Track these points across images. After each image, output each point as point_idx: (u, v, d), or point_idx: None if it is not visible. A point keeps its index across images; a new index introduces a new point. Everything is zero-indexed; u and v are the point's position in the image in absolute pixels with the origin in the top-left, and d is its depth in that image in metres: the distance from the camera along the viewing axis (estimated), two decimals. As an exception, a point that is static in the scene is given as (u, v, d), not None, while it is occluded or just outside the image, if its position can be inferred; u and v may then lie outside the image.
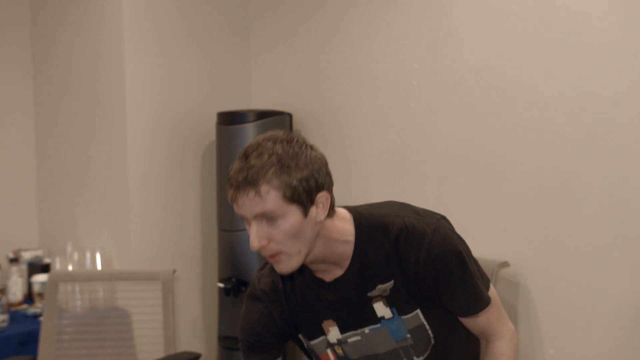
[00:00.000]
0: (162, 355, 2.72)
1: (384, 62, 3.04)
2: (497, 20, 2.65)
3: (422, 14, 2.89)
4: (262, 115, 3.24)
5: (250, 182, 1.42)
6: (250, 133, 3.18)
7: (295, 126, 3.38)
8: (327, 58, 3.30)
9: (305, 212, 1.46)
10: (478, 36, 2.71)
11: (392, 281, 1.56)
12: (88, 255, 3.32)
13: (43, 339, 2.77)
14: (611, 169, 2.38)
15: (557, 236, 2.53)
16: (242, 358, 1.71)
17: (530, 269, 2.59)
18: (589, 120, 2.42)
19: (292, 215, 1.45)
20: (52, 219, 3.84)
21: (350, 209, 1.61)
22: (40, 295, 3.36)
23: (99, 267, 3.32)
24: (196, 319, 3.52)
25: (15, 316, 3.24)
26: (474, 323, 1.64)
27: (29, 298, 3.52)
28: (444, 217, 1.62)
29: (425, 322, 1.61)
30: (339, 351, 1.66)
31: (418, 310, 1.60)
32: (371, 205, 1.65)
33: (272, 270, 1.65)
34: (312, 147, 1.50)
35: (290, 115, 3.33)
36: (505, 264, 2.55)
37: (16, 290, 3.44)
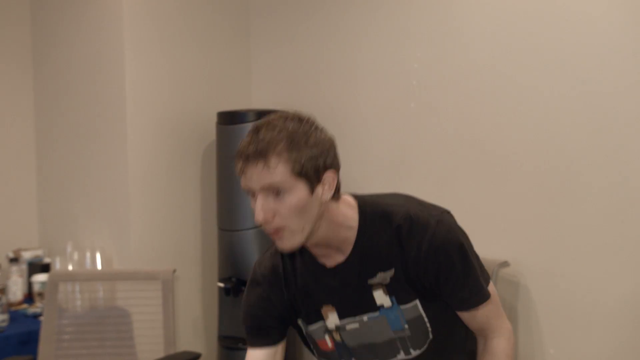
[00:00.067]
0: (162, 355, 2.72)
1: (384, 62, 3.04)
2: (497, 20, 2.65)
3: (422, 14, 2.89)
4: (262, 115, 3.13)
5: (260, 153, 1.44)
6: (250, 133, 3.18)
7: (295, 126, 3.37)
8: (327, 58, 3.30)
9: (312, 189, 1.47)
10: (478, 36, 2.71)
11: (393, 269, 1.57)
12: (88, 255, 3.32)
13: (43, 338, 2.77)
14: (611, 169, 2.38)
15: (557, 236, 2.53)
16: (247, 343, 1.71)
17: (531, 268, 2.59)
18: (589, 120, 2.42)
19: (299, 190, 1.46)
20: (52, 218, 3.84)
21: (356, 196, 1.63)
22: (40, 295, 3.36)
23: (99, 266, 3.32)
24: (196, 319, 3.52)
25: (16, 316, 3.24)
26: (473, 318, 1.64)
27: (29, 298, 3.52)
28: (448, 212, 1.63)
29: (424, 315, 1.61)
30: (337, 338, 1.67)
31: (417, 301, 1.60)
32: (377, 195, 1.67)
33: (273, 254, 1.67)
34: (322, 129, 1.52)
35: (290, 115, 3.32)
36: (505, 264, 2.55)
37: (16, 290, 3.44)
